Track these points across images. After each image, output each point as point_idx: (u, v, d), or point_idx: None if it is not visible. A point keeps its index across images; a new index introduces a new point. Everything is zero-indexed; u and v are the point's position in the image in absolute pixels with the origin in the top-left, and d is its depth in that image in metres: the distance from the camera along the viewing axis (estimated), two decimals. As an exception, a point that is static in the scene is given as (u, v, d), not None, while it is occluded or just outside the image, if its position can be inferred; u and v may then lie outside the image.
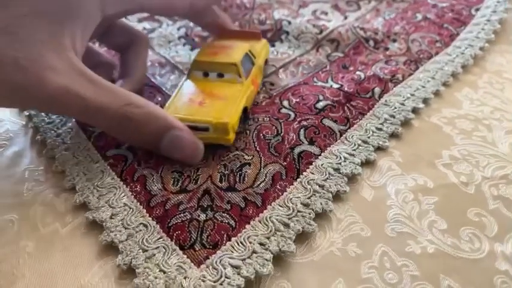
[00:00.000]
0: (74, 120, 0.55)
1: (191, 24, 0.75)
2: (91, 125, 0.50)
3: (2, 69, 0.36)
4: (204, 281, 0.36)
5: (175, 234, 0.40)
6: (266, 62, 0.64)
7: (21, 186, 0.47)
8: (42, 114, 0.57)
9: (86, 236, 0.42)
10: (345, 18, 0.77)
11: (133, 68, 0.56)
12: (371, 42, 0.69)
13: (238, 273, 0.36)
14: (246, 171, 0.46)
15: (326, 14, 0.78)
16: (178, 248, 0.39)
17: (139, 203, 0.43)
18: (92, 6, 0.43)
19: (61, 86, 0.38)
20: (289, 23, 0.73)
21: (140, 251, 0.39)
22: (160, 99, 0.58)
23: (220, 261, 0.37)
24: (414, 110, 0.56)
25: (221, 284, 0.35)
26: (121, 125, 0.43)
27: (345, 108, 0.55)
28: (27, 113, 0.57)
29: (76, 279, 0.38)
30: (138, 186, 0.45)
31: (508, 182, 0.46)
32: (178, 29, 0.74)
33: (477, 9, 0.77)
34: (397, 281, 0.37)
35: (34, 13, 0.38)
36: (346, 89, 0.58)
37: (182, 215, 0.42)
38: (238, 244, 0.39)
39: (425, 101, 0.57)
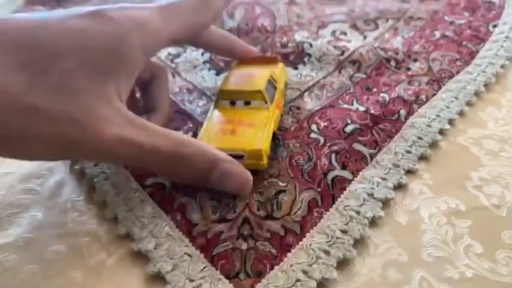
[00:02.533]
0: (110, 149, 0.57)
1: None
2: (144, 168, 0.50)
3: (58, 125, 0.37)
4: (252, 311, 0.37)
5: (219, 264, 0.41)
6: (286, 85, 0.66)
7: (64, 217, 0.49)
8: (79, 143, 0.58)
9: (132, 266, 0.43)
10: (364, 38, 0.79)
11: (158, 101, 0.57)
12: (392, 63, 0.71)
13: (285, 303, 0.37)
14: (282, 199, 0.47)
15: (345, 34, 0.80)
16: (223, 277, 0.40)
17: (181, 233, 0.45)
18: (136, 54, 0.44)
19: (116, 135, 0.40)
20: (311, 45, 0.75)
21: (188, 280, 0.40)
22: (191, 125, 0.60)
23: (266, 290, 0.39)
24: (441, 131, 0.57)
25: (269, 314, 0.37)
26: (174, 164, 0.44)
27: (373, 131, 0.56)
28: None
29: (126, 310, 0.39)
30: (179, 215, 0.47)
31: (540, 203, 0.47)
32: (202, 54, 0.76)
33: (494, 26, 0.78)
34: (438, 306, 0.38)
35: (82, 66, 0.39)
36: (372, 111, 0.59)
37: (224, 244, 0.43)
38: (281, 273, 0.40)
39: (451, 121, 0.58)
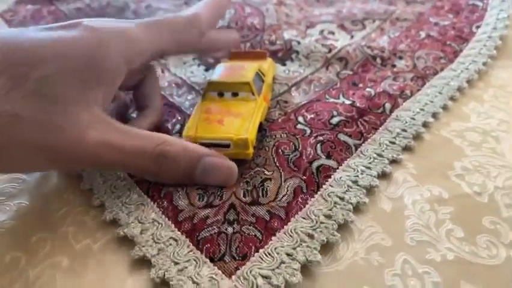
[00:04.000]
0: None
1: (204, 45, 0.78)
2: (130, 172, 0.50)
3: (41, 132, 0.37)
4: (236, 291, 0.37)
5: (204, 247, 0.41)
6: (274, 79, 0.67)
7: (51, 205, 0.49)
8: (67, 135, 0.59)
9: (117, 251, 0.43)
10: (352, 37, 0.80)
11: (151, 100, 0.57)
12: (378, 60, 0.72)
13: (269, 283, 0.38)
14: (267, 186, 0.48)
15: (333, 33, 0.81)
16: (208, 260, 0.40)
17: (167, 218, 0.45)
18: (117, 62, 0.43)
19: (99, 141, 0.40)
20: (299, 43, 0.76)
21: (172, 264, 0.40)
22: (179, 118, 0.60)
23: (251, 272, 0.39)
24: (425, 124, 0.58)
25: (253, 294, 0.37)
26: (158, 164, 0.44)
27: (359, 123, 0.57)
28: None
29: (111, 293, 0.39)
30: (165, 202, 0.47)
31: (520, 190, 0.48)
32: (192, 50, 0.77)
33: (477, 27, 0.80)
34: (420, 287, 0.39)
35: (62, 71, 0.38)
36: (358, 104, 0.60)
37: (210, 228, 0.43)
38: (266, 255, 0.40)
39: (434, 115, 0.60)
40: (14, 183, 0.52)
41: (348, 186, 0.48)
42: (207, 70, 0.72)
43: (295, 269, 0.39)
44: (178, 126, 0.59)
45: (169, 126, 0.59)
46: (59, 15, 0.93)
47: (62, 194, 0.51)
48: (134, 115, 0.60)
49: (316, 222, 0.44)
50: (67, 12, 0.93)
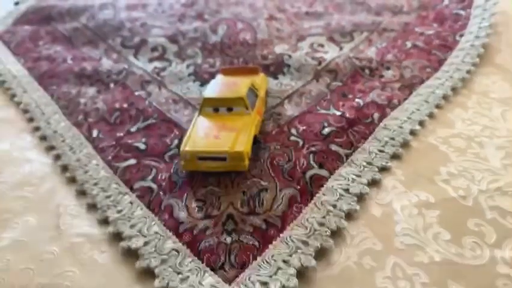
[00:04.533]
0: (99, 157, 0.59)
1: (199, 61, 0.81)
2: None
3: None
4: (236, 298, 0.40)
5: (205, 257, 0.44)
6: (266, 93, 0.70)
7: (57, 220, 0.51)
8: (69, 152, 0.61)
9: (123, 262, 0.46)
10: (341, 49, 0.83)
11: None
12: (367, 71, 0.75)
13: (267, 289, 0.40)
14: (263, 196, 0.50)
15: (323, 46, 0.84)
16: (209, 269, 0.43)
17: (168, 231, 0.47)
18: None
19: None
20: (290, 56, 0.79)
21: (175, 274, 0.42)
22: (177, 133, 0.63)
23: (249, 279, 0.41)
24: (412, 132, 0.61)
25: (252, 299, 0.39)
26: None
27: (349, 133, 0.60)
28: (56, 153, 0.62)
29: (117, 303, 0.42)
30: (166, 215, 0.49)
31: (502, 193, 0.50)
32: (187, 66, 0.80)
33: (461, 35, 0.83)
34: (409, 288, 0.41)
35: None
36: (348, 115, 0.63)
37: (210, 239, 0.46)
38: (264, 263, 0.43)
39: (421, 123, 0.63)
40: (20, 201, 0.54)
41: (340, 194, 0.50)
42: (202, 85, 0.75)
43: (291, 275, 0.41)
44: (175, 141, 0.61)
45: (168, 141, 0.61)
46: (57, 35, 0.95)
47: (66, 209, 0.53)
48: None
49: (311, 229, 0.46)
50: (64, 32, 0.96)
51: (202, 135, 0.55)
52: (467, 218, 0.48)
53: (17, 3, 1.13)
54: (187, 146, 0.53)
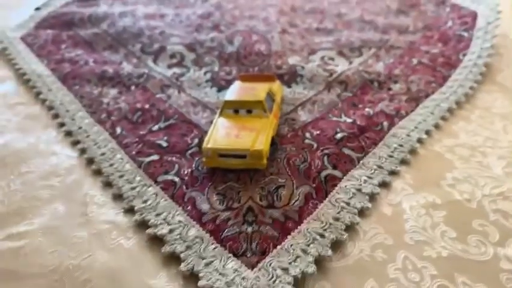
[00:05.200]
0: (123, 152, 0.62)
1: (216, 69, 0.85)
2: None
3: None
4: (259, 281, 0.42)
5: (228, 244, 0.47)
6: (282, 99, 0.74)
7: (84, 209, 0.54)
8: (94, 147, 0.64)
9: (148, 249, 0.48)
10: (350, 63, 0.87)
11: None
12: (375, 84, 0.79)
13: (287, 273, 0.43)
14: (281, 192, 0.53)
15: (333, 59, 0.89)
16: (232, 255, 0.46)
17: (192, 220, 0.50)
18: None
19: None
20: (303, 67, 0.84)
21: (200, 259, 0.45)
22: (197, 133, 0.66)
23: (270, 265, 0.44)
24: (419, 140, 0.64)
25: (273, 282, 0.42)
26: None
27: (360, 139, 0.63)
28: (81, 147, 0.65)
29: (143, 283, 0.44)
30: (189, 206, 0.52)
31: (504, 198, 0.54)
32: (205, 73, 0.84)
33: (464, 54, 0.88)
34: (419, 279, 0.44)
35: None
36: (359, 122, 0.67)
37: (231, 228, 0.49)
38: (283, 251, 0.46)
39: (427, 132, 0.66)
40: (48, 189, 0.57)
41: (353, 193, 0.54)
42: (219, 91, 0.78)
43: (310, 262, 0.44)
44: (196, 140, 0.64)
45: (188, 140, 0.65)
46: (78, 39, 0.99)
47: (93, 198, 0.56)
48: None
49: (326, 223, 0.49)
50: (86, 37, 1.00)
51: (223, 134, 0.58)
52: (471, 219, 0.51)
53: (38, 9, 1.18)
54: (209, 144, 0.56)
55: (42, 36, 1.01)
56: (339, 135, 0.64)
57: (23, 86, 0.83)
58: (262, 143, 0.56)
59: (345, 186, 0.55)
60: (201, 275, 0.43)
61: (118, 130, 0.68)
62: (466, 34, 0.95)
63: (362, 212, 0.52)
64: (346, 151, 0.61)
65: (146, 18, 1.08)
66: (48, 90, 0.79)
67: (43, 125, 0.72)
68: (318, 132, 0.65)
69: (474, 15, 1.01)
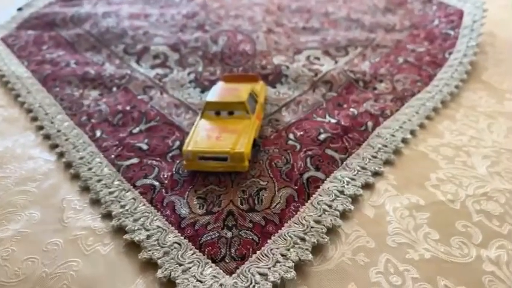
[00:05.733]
0: (102, 155, 0.61)
1: (200, 69, 0.84)
2: None
3: None
4: (237, 287, 0.41)
5: (206, 250, 0.46)
6: (265, 100, 0.73)
7: (60, 214, 0.52)
8: (72, 150, 0.63)
9: (125, 255, 0.47)
10: (336, 62, 0.87)
11: None
12: (361, 83, 0.79)
13: (266, 279, 0.42)
14: (263, 195, 0.52)
15: (319, 59, 0.88)
16: (210, 261, 0.44)
17: (170, 225, 0.49)
18: None
19: None
20: (287, 67, 0.83)
21: (177, 265, 0.44)
22: (178, 135, 0.65)
23: (249, 270, 0.43)
24: (404, 140, 0.64)
25: (252, 289, 0.41)
26: None
27: (344, 139, 0.63)
28: (59, 150, 0.63)
29: (120, 292, 0.43)
30: (168, 211, 0.51)
31: (488, 198, 0.53)
32: (188, 74, 0.82)
33: (450, 53, 0.87)
34: (401, 283, 0.43)
35: None
36: (343, 123, 0.66)
37: (211, 233, 0.47)
38: (263, 256, 0.45)
39: (412, 132, 0.66)
40: (24, 195, 0.56)
41: (335, 195, 0.53)
42: (202, 92, 0.77)
43: (289, 267, 0.43)
44: (177, 143, 0.63)
45: (169, 142, 0.63)
46: (60, 40, 0.98)
47: (70, 204, 0.54)
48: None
49: (307, 226, 0.48)
50: (68, 37, 0.98)
51: (204, 136, 0.57)
52: (455, 220, 0.51)
53: (20, 9, 1.16)
54: (189, 146, 0.55)
55: (24, 37, 0.99)
56: (322, 136, 0.63)
57: (2, 88, 0.81)
58: (243, 145, 0.55)
59: (328, 188, 0.54)
60: (178, 281, 0.42)
61: (98, 133, 0.66)
62: (452, 32, 0.95)
63: (344, 215, 0.51)
64: (329, 152, 0.60)
65: (130, 18, 1.07)
66: (27, 93, 0.78)
67: (21, 128, 0.70)
68: (301, 133, 0.64)
69: (460, 14, 1.01)
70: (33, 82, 0.81)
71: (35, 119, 0.71)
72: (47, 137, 0.67)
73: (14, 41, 0.98)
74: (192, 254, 0.45)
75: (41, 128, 0.69)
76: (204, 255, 0.45)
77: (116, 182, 0.56)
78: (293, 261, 0.44)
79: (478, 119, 0.69)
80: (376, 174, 0.58)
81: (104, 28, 1.01)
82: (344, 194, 0.53)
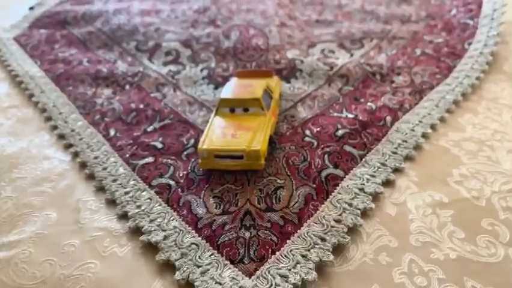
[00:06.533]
0: (117, 155, 0.60)
1: (212, 65, 0.83)
2: None
3: None
4: (257, 290, 0.40)
5: (224, 251, 0.45)
6: (280, 96, 0.71)
7: (77, 215, 0.52)
8: (87, 150, 0.62)
9: (142, 256, 0.46)
10: (351, 55, 0.85)
11: None
12: (378, 76, 0.77)
13: (287, 281, 0.41)
14: (280, 194, 0.51)
15: (333, 52, 0.86)
16: (229, 262, 0.43)
17: (187, 225, 0.48)
18: None
19: None
20: (302, 61, 0.81)
21: (195, 267, 0.43)
22: (193, 133, 0.64)
23: (269, 272, 0.42)
24: (424, 135, 0.62)
25: (272, 291, 0.40)
26: None
27: (362, 135, 0.61)
28: (74, 150, 0.63)
29: (139, 294, 0.42)
30: (184, 211, 0.50)
31: (515, 194, 0.51)
32: (201, 70, 0.81)
33: (469, 44, 0.85)
34: (426, 284, 0.42)
35: None
36: (361, 118, 0.64)
37: (228, 233, 0.47)
38: (282, 257, 0.44)
39: (433, 126, 0.64)
40: (40, 196, 0.55)
41: (355, 193, 0.51)
42: (216, 88, 0.76)
43: (310, 268, 0.42)
44: (192, 141, 0.62)
45: (184, 140, 0.63)
46: (72, 38, 0.97)
47: (85, 204, 0.54)
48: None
49: (328, 226, 0.47)
50: (79, 36, 0.98)
51: (219, 134, 0.56)
52: (480, 218, 0.49)
53: (31, 8, 1.16)
54: (204, 144, 0.54)
55: (36, 36, 0.99)
56: (340, 132, 0.61)
57: (16, 89, 0.81)
58: (259, 143, 0.54)
59: (347, 185, 0.52)
60: (196, 284, 0.41)
61: (112, 132, 0.66)
62: (471, 22, 0.92)
63: (364, 213, 0.50)
64: (348, 148, 0.58)
65: (141, 15, 1.06)
66: (41, 92, 0.77)
67: (36, 128, 0.70)
68: (318, 129, 0.63)
69: (479, 2, 0.98)
70: (47, 81, 0.81)
71: (49, 118, 0.71)
72: (61, 136, 0.67)
73: (26, 40, 0.98)
74: (210, 255, 0.44)
75: (55, 127, 0.69)
76: (222, 256, 0.44)
77: (131, 182, 0.55)
78: (314, 262, 0.43)
79: (501, 111, 0.67)
80: (396, 170, 0.56)
81: (115, 25, 1.00)
82: (364, 192, 0.52)
